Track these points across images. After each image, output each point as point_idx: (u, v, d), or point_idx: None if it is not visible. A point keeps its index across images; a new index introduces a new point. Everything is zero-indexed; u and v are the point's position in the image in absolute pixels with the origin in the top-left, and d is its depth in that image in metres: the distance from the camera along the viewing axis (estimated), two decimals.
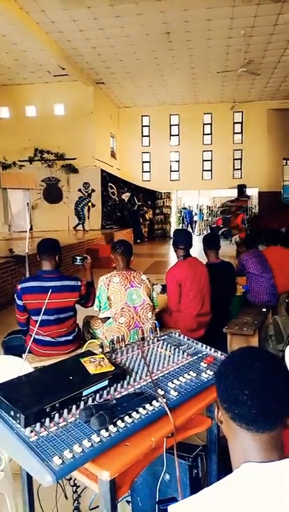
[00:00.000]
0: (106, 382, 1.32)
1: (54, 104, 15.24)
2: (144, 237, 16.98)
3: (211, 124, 18.10)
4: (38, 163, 14.56)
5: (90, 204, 14.21)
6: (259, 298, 3.94)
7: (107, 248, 8.73)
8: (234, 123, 17.98)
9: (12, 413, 1.15)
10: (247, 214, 16.91)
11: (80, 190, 14.57)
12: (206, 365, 1.56)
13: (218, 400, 0.84)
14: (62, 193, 14.65)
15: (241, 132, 18.01)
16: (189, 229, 19.03)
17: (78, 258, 2.90)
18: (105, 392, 1.31)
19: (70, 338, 2.74)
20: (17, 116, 15.36)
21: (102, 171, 14.81)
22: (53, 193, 14.58)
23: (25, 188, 14.28)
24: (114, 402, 1.22)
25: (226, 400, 0.80)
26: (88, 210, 14.48)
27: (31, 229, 10.18)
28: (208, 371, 1.51)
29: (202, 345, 1.76)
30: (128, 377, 1.41)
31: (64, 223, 14.37)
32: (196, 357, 1.64)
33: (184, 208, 20.53)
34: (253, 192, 17.91)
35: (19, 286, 2.61)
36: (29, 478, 1.43)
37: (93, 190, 14.55)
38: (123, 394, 1.31)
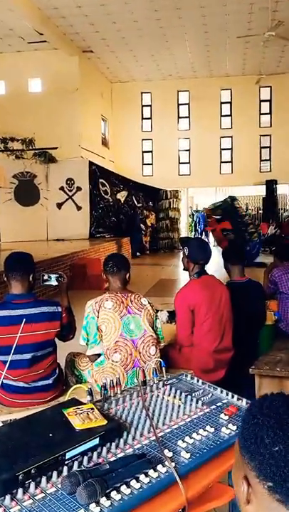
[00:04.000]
0: (96, 441, 1.32)
1: (28, 78, 15.51)
2: (146, 248, 17.05)
3: (230, 102, 18.37)
4: (4, 154, 14.71)
5: None
6: None
7: (98, 263, 8.76)
8: (260, 101, 18.24)
9: None
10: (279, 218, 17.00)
11: (61, 188, 14.69)
12: (226, 418, 1.56)
13: (252, 472, 0.80)
14: (39, 192, 14.76)
15: (270, 113, 18.24)
16: (204, 238, 19.10)
17: (53, 276, 2.90)
18: (96, 453, 1.31)
19: (49, 382, 2.73)
20: None
21: (91, 163, 14.96)
22: (26, 192, 14.69)
23: None
24: (108, 466, 1.22)
25: (272, 475, 0.76)
26: None
27: None
28: (229, 425, 1.51)
29: (222, 391, 1.76)
30: (125, 433, 1.41)
31: (41, 231, 14.43)
32: (213, 407, 1.64)
33: (197, 211, 20.64)
34: (285, 189, 18.05)
35: None
36: None
37: (79, 189, 14.67)
38: (119, 456, 1.31)
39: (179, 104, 18.77)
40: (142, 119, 18.95)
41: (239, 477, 0.84)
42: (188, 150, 18.86)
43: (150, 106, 18.83)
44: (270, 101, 18.21)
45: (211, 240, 19.58)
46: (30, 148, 14.53)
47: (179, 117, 18.84)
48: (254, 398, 1.88)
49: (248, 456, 0.81)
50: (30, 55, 15.09)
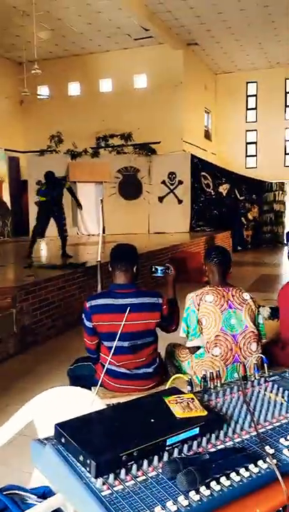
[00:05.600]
0: (197, 431, 1.33)
1: (134, 74, 15.88)
2: (248, 242, 16.66)
3: None
4: (106, 151, 15.15)
5: (67, 185, 9.27)
6: None
7: (199, 257, 8.76)
8: None
9: (81, 458, 1.22)
10: None
11: (163, 182, 14.85)
12: None
13: None
14: (142, 187, 15.06)
15: None
16: None
17: (159, 269, 2.96)
18: (195, 443, 1.32)
19: (150, 370, 2.80)
20: (90, 93, 16.30)
21: (193, 156, 14.94)
22: (130, 187, 15.07)
23: (98, 182, 15.01)
24: (208, 457, 1.22)
25: None
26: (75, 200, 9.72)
27: (104, 232, 10.70)
28: None
29: None
30: (225, 426, 1.41)
31: (143, 224, 14.76)
32: None
33: None
34: None
35: (87, 304, 2.75)
36: None
37: (180, 182, 14.73)
38: (219, 448, 1.31)
39: (286, 93, 18.00)
40: (247, 109, 18.50)
41: None
42: None
43: (255, 96, 18.30)
44: None
45: None
46: (129, 143, 14.83)
47: (286, 106, 18.07)
48: None
49: None
50: (136, 52, 15.44)
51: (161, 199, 14.95)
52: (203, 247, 11.52)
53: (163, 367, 3.00)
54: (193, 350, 2.90)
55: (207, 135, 17.89)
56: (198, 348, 2.86)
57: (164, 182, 14.90)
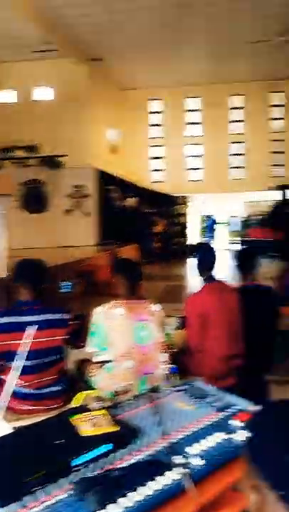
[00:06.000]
0: (108, 447, 1.31)
1: (37, 87, 15.68)
2: (156, 254, 17.04)
3: (241, 108, 18.38)
4: (9, 162, 14.82)
5: None
6: None
7: (107, 270, 8.76)
8: (272, 106, 18.24)
9: None
10: None
11: (70, 195, 14.77)
12: (239, 424, 1.54)
13: (263, 482, 0.78)
14: (47, 200, 14.86)
15: (282, 118, 18.23)
16: (215, 243, 19.07)
17: (66, 284, 2.93)
18: (106, 460, 1.30)
19: (58, 388, 2.73)
20: None
21: (99, 170, 15.05)
22: (35, 200, 14.80)
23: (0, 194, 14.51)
24: (118, 473, 1.21)
25: (284, 484, 0.75)
26: None
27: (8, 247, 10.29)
28: (242, 432, 1.49)
29: (234, 398, 1.74)
30: (136, 440, 1.40)
31: (49, 238, 14.48)
32: (226, 413, 1.62)
33: (208, 217, 20.63)
34: None
35: None
36: None
37: (87, 195, 14.74)
38: (129, 462, 1.30)
39: (188, 111, 18.83)
40: (152, 125, 19.04)
41: (249, 486, 0.82)
42: (199, 156, 18.88)
43: (160, 112, 18.91)
44: (282, 106, 18.18)
45: (222, 245, 19.59)
46: (34, 156, 14.64)
47: (188, 123, 18.89)
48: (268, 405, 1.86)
49: (257, 465, 0.79)
50: (40, 64, 15.25)
51: (67, 212, 14.84)
52: (111, 260, 11.56)
53: (72, 384, 2.93)
54: (103, 364, 2.87)
55: (113, 149, 18.10)
56: (108, 361, 2.83)
57: (70, 195, 14.82)
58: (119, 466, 1.27)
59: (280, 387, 3.24)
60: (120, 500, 1.14)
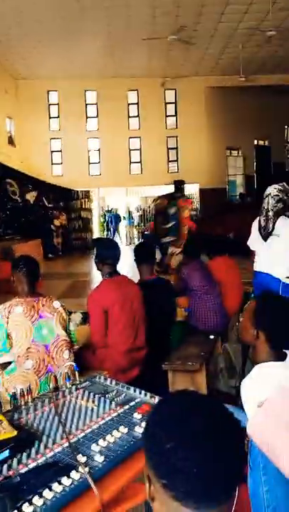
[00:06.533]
0: (6, 453, 1.27)
1: None
2: (58, 250, 16.76)
3: (137, 103, 18.61)
4: None
5: None
6: (205, 322, 4.08)
7: (6, 267, 8.44)
8: (166, 103, 18.70)
9: None
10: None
11: None
12: (140, 417, 1.58)
13: (151, 470, 0.81)
14: None
15: (175, 115, 18.77)
16: (116, 237, 19.23)
17: None
18: (5, 466, 1.26)
19: None
20: None
21: None
22: None
23: None
24: (19, 479, 1.18)
25: (165, 472, 0.78)
26: None
27: None
28: (143, 424, 1.52)
29: (135, 390, 1.77)
30: (37, 443, 1.38)
31: None
32: (127, 407, 1.65)
33: (109, 211, 20.71)
34: (192, 189, 18.67)
35: None
36: None
37: None
38: (31, 467, 1.27)
39: (86, 104, 18.65)
40: (50, 118, 18.57)
41: (145, 475, 0.85)
42: (98, 150, 18.81)
43: (57, 105, 18.51)
44: (175, 103, 18.72)
45: (123, 240, 19.80)
46: None
47: (87, 117, 18.72)
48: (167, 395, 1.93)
49: (147, 454, 0.83)
50: None
51: None
52: (6, 256, 11.14)
53: None
54: (4, 366, 2.77)
55: (11, 141, 17.38)
56: (9, 363, 2.75)
57: None
58: (19, 472, 1.24)
59: (175, 374, 3.36)
60: (23, 507, 1.11)
